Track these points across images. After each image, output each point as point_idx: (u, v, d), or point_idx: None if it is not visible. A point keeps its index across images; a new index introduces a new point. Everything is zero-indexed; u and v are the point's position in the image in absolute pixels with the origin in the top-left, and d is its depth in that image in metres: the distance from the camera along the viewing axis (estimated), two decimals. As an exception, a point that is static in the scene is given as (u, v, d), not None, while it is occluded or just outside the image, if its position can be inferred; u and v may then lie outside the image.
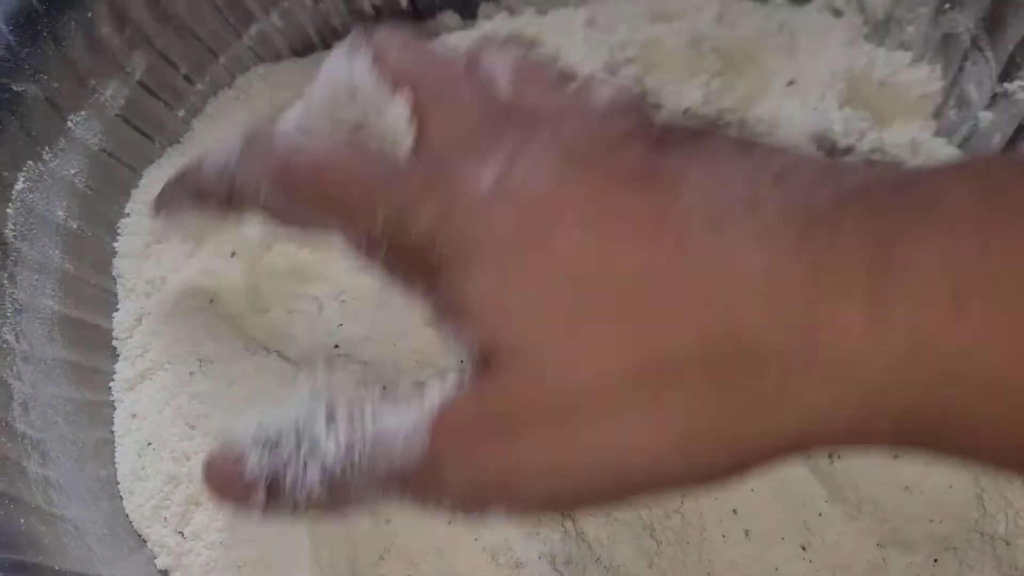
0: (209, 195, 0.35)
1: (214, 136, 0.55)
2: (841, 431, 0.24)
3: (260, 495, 0.28)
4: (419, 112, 0.29)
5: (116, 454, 0.44)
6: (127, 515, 0.42)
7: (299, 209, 0.30)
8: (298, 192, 0.30)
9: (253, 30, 0.58)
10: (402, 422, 0.27)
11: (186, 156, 0.52)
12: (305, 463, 0.27)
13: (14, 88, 0.45)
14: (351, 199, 0.29)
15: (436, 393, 0.27)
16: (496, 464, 0.26)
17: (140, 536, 0.41)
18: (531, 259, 0.26)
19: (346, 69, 0.31)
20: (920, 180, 0.24)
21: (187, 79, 0.55)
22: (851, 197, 0.24)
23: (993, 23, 0.50)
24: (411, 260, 0.28)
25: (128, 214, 0.50)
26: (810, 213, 0.24)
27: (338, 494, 0.28)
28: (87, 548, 0.38)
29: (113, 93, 0.50)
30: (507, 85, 0.30)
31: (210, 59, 0.56)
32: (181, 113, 0.55)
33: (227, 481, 0.29)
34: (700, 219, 0.24)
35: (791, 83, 0.53)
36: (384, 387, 0.31)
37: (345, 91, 0.31)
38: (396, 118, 0.30)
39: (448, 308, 0.27)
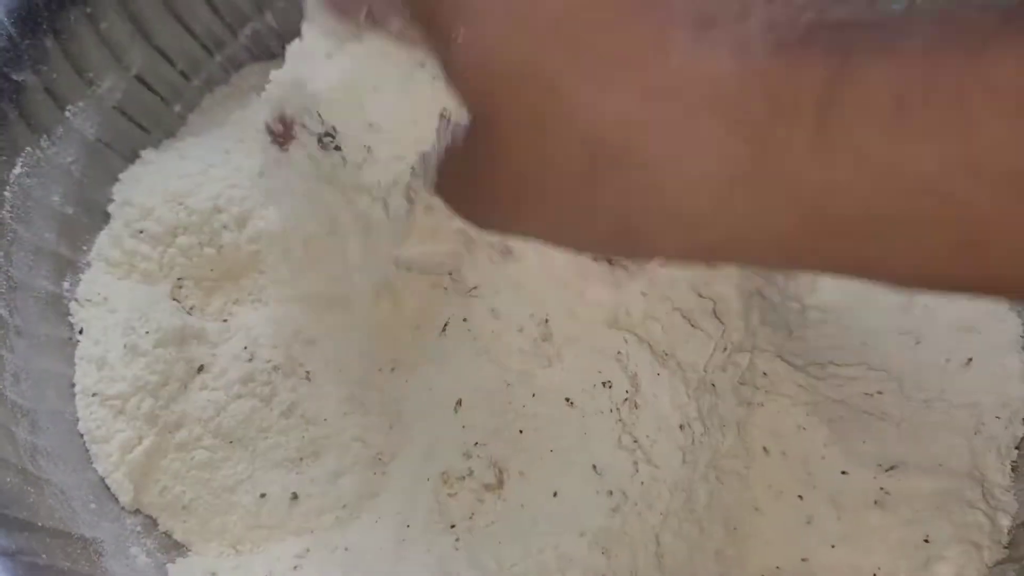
0: None
1: (209, 130, 0.56)
2: (773, 247, 0.25)
3: None
4: None
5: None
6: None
7: None
8: None
9: (248, 29, 0.60)
10: None
11: (178, 151, 0.54)
12: None
13: (14, 78, 0.47)
14: None
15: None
16: (477, 211, 0.32)
17: (121, 504, 0.43)
18: (520, 15, 0.27)
19: None
20: (889, 22, 0.25)
21: (183, 75, 0.57)
22: (828, 26, 0.25)
23: None
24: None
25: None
26: (788, 31, 0.25)
27: None
28: (71, 510, 0.40)
29: (111, 86, 0.52)
30: None
31: (206, 57, 0.58)
32: (177, 107, 0.57)
33: None
34: (687, 14, 0.26)
35: None
36: None
37: None
38: None
39: (448, 69, 0.29)
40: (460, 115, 0.30)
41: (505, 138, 0.28)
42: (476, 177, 0.31)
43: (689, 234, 0.27)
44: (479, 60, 0.28)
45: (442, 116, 0.32)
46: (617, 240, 0.29)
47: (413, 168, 0.36)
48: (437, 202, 0.35)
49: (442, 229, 0.44)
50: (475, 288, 0.45)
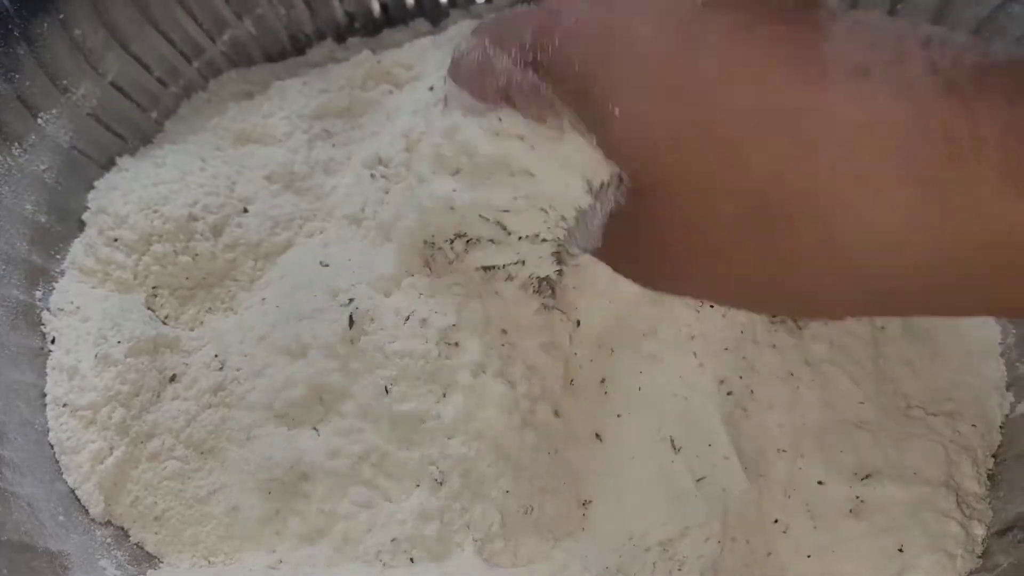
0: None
1: (186, 137, 0.56)
2: (960, 290, 0.25)
3: None
4: None
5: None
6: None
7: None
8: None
9: (227, 36, 0.59)
10: None
11: (154, 159, 0.53)
12: None
13: (-15, 85, 0.47)
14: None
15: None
16: (641, 273, 0.33)
17: (91, 516, 0.43)
18: (673, 84, 0.27)
19: None
20: None
21: (160, 82, 0.56)
22: (997, 70, 0.24)
23: None
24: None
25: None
26: (955, 74, 0.24)
27: None
28: (38, 523, 0.39)
29: (85, 93, 0.52)
30: None
31: (183, 63, 0.58)
32: (154, 114, 0.56)
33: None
34: (844, 62, 0.25)
35: None
36: None
37: None
38: None
39: (603, 142, 0.31)
40: (620, 180, 0.31)
41: (669, 202, 0.29)
42: (642, 241, 0.31)
43: (865, 285, 0.26)
44: (638, 131, 0.28)
45: (603, 184, 0.32)
46: (790, 298, 0.29)
47: (567, 230, 0.37)
48: (586, 259, 0.37)
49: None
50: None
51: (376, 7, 0.64)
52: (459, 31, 0.61)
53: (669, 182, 0.28)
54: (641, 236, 0.31)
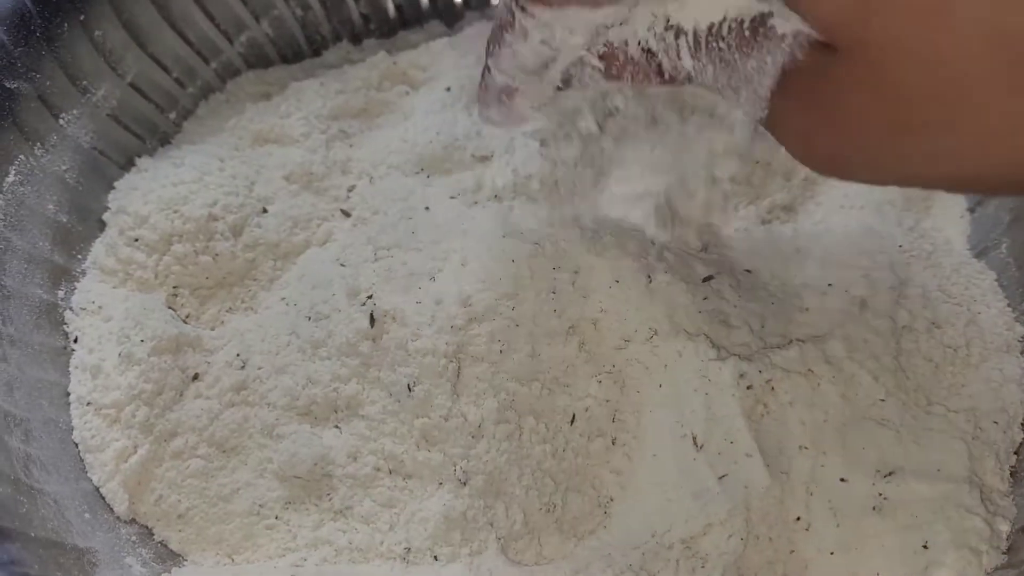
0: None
1: (205, 137, 0.56)
2: None
3: None
4: None
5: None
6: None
7: None
8: None
9: (244, 37, 0.60)
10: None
11: (173, 159, 0.53)
12: None
13: (7, 85, 0.47)
14: None
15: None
16: (823, 149, 0.27)
17: (116, 514, 0.43)
18: None
19: None
20: None
21: (179, 82, 0.57)
22: None
23: None
24: None
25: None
26: None
27: None
28: (65, 521, 0.39)
29: (105, 94, 0.52)
30: None
31: (201, 64, 0.58)
32: (172, 115, 0.57)
33: None
34: None
35: None
36: None
37: None
38: None
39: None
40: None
41: (880, 65, 0.25)
42: (830, 109, 0.27)
43: None
44: None
45: (783, 36, 0.28)
46: None
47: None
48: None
49: None
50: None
51: (391, 9, 0.64)
52: (475, 32, 0.61)
53: (882, 42, 0.24)
54: (828, 103, 0.27)
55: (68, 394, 0.45)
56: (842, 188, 0.53)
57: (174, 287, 0.50)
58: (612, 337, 0.45)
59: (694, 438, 0.43)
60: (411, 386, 0.44)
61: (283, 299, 0.50)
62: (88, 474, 0.43)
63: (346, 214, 0.53)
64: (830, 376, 0.43)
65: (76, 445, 0.44)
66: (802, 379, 0.44)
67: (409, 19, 0.65)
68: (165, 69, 0.56)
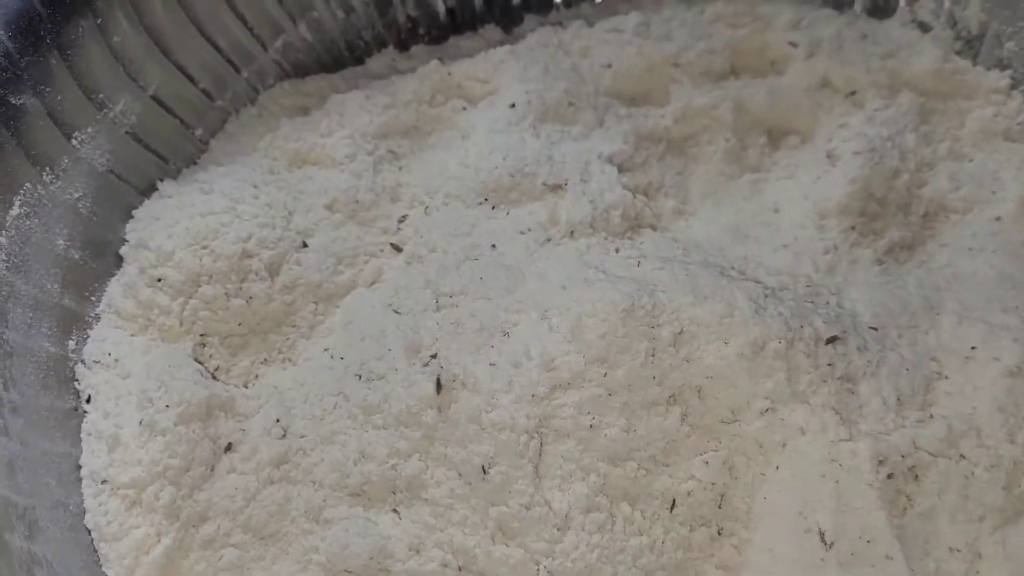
0: None
1: (235, 158, 0.50)
2: None
3: None
4: None
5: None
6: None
7: None
8: None
9: (279, 43, 0.53)
10: None
11: (200, 184, 0.47)
12: None
13: (12, 101, 0.40)
14: None
15: None
16: None
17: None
18: None
19: None
20: None
21: (206, 94, 0.50)
22: None
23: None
24: None
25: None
26: None
27: None
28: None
29: (124, 108, 0.46)
30: None
31: (231, 73, 0.51)
32: (198, 132, 0.50)
33: None
34: None
35: None
36: None
37: None
38: None
39: None
40: None
41: None
42: None
43: None
44: None
45: None
46: None
47: None
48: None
49: None
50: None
51: (442, 10, 0.58)
52: (538, 41, 0.54)
53: None
54: None
55: (79, 467, 0.39)
56: (967, 226, 0.47)
57: (201, 335, 0.44)
58: (720, 408, 0.39)
59: (822, 534, 0.37)
60: (486, 467, 0.37)
61: (326, 350, 0.43)
62: (104, 568, 0.37)
63: (397, 249, 0.47)
64: (987, 463, 0.37)
65: (89, 532, 0.37)
66: (952, 465, 0.37)
67: (461, 23, 0.58)
68: (191, 79, 0.49)
